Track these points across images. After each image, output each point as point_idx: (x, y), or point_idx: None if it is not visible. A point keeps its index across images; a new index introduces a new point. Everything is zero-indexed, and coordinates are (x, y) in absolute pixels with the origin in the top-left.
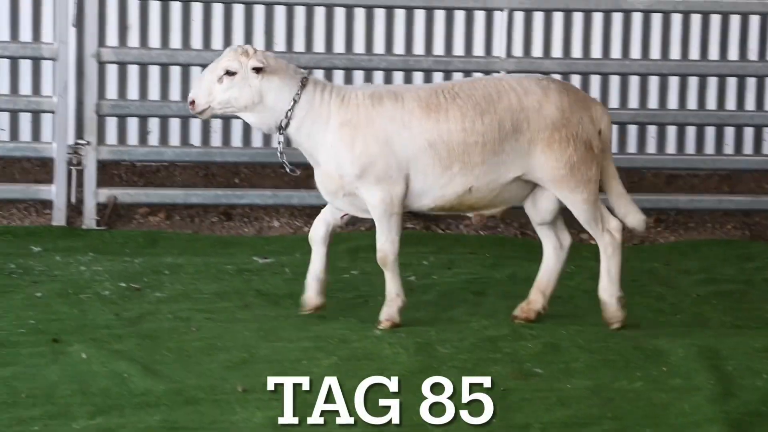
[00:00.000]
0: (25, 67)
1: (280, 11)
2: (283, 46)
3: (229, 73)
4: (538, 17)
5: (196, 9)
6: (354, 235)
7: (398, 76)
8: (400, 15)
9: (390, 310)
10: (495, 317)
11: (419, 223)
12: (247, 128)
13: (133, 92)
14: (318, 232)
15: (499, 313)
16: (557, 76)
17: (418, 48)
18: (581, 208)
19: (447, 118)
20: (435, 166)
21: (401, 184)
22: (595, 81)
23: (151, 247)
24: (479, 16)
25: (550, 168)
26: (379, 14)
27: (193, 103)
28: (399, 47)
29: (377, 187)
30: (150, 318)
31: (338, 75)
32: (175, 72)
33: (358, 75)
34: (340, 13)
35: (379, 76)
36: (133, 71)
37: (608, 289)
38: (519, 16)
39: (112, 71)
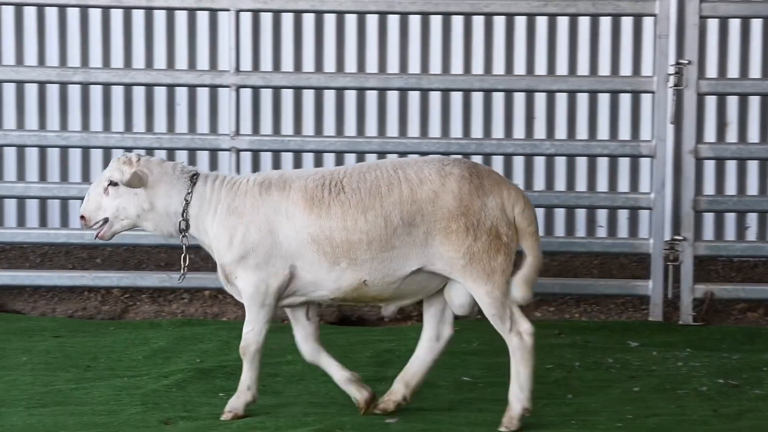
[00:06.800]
0: (624, 164)
1: None
2: None
3: (113, 184)
4: None
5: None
6: None
7: None
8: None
9: (237, 402)
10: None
11: None
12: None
13: (730, 187)
14: (306, 350)
15: None
16: None
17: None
18: (485, 302)
19: (329, 215)
20: (321, 261)
21: (282, 277)
22: None
23: (749, 343)
24: None
25: (448, 259)
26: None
27: (83, 218)
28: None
29: (255, 275)
30: (749, 415)
31: None
32: None
33: None
34: None
35: None
36: (730, 166)
37: (517, 395)
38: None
39: (709, 167)
